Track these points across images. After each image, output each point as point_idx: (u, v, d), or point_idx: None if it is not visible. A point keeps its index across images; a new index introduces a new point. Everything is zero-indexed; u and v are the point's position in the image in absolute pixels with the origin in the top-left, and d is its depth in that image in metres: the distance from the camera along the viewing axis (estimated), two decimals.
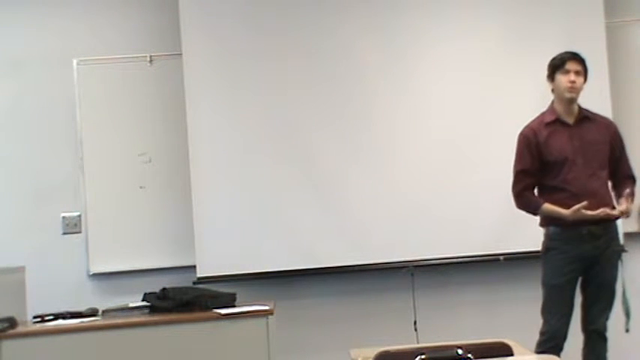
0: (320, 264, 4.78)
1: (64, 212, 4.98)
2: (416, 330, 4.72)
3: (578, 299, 3.92)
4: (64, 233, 4.99)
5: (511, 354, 2.57)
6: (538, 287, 3.91)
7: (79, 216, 4.98)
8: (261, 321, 3.62)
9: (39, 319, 3.83)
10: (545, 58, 3.96)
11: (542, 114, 3.96)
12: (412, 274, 4.76)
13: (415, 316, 4.77)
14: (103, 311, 3.87)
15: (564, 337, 3.82)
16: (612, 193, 3.92)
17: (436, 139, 4.83)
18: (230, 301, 3.82)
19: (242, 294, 3.99)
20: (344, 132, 4.85)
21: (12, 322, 3.63)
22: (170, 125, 4.94)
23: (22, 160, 4.99)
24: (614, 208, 3.82)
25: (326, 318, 4.93)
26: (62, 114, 4.99)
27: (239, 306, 3.75)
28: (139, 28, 5.07)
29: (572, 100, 3.89)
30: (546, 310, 3.88)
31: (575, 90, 3.87)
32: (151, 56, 4.99)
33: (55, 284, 4.77)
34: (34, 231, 4.94)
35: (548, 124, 3.91)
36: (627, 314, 3.90)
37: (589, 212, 3.71)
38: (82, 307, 3.91)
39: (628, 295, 3.89)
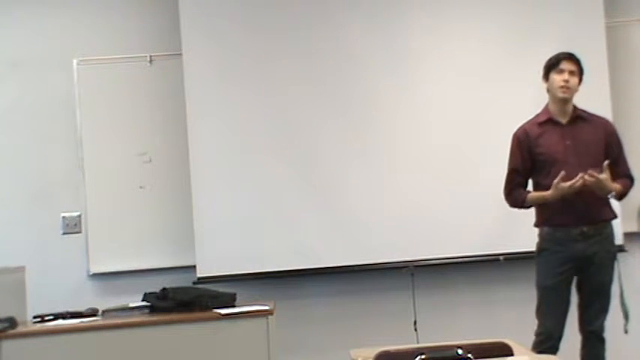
0: (320, 264, 4.78)
1: (64, 212, 4.98)
2: (416, 330, 4.72)
3: (575, 298, 3.92)
4: (64, 233, 4.99)
5: (511, 354, 2.56)
6: None
7: (79, 216, 4.98)
8: (261, 321, 3.62)
9: (39, 319, 3.83)
10: (546, 59, 3.96)
11: (537, 114, 3.97)
12: (412, 274, 4.76)
13: (415, 316, 4.77)
14: (103, 311, 3.87)
15: (560, 338, 3.82)
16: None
17: (436, 139, 4.83)
18: (230, 301, 3.82)
19: (242, 294, 4.00)
20: (344, 132, 4.85)
21: (12, 322, 3.63)
22: (170, 125, 4.94)
23: (22, 160, 5.00)
24: (607, 208, 3.82)
25: (326, 318, 4.94)
26: (62, 114, 4.99)
27: (239, 306, 3.75)
28: (139, 28, 5.07)
29: (565, 100, 3.88)
30: (541, 311, 3.88)
31: (569, 90, 3.86)
32: (150, 56, 4.99)
33: (55, 284, 4.77)
34: (34, 231, 4.94)
35: (540, 124, 3.92)
36: (626, 316, 3.90)
37: (567, 184, 3.69)
38: (82, 307, 3.91)
39: (626, 296, 3.89)
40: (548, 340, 3.79)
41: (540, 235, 3.92)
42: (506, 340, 2.63)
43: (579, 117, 3.91)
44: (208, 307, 3.71)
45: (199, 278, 4.70)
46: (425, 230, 4.77)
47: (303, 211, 4.80)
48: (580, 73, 3.90)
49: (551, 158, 3.81)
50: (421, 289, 4.82)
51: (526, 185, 3.96)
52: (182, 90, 4.81)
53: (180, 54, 4.83)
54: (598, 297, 3.84)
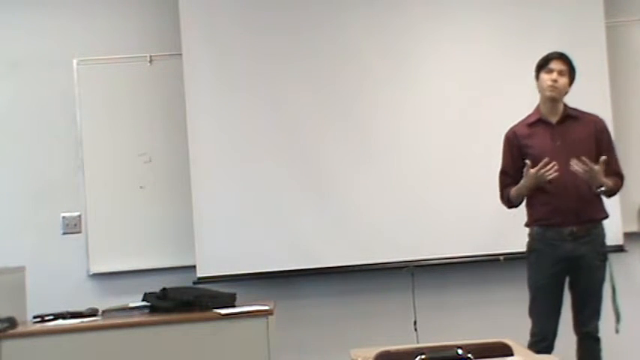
0: (320, 264, 4.77)
1: (64, 212, 4.98)
2: (416, 330, 4.72)
3: (569, 298, 3.92)
4: (64, 233, 4.99)
5: (511, 354, 2.57)
6: None
7: (79, 216, 4.98)
8: (261, 321, 3.63)
9: (39, 319, 3.83)
10: None
11: (529, 115, 3.98)
12: (412, 274, 4.76)
13: (415, 316, 4.77)
14: (103, 311, 3.87)
15: (554, 337, 3.82)
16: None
17: (436, 140, 4.83)
18: (230, 301, 3.82)
19: (242, 294, 4.00)
20: (344, 132, 4.85)
21: (12, 322, 3.63)
22: (170, 125, 4.94)
23: (22, 160, 4.99)
24: (598, 208, 3.82)
25: (326, 318, 4.93)
26: (62, 114, 4.99)
27: (239, 306, 3.76)
28: (139, 28, 5.06)
29: (554, 100, 3.88)
30: (534, 312, 3.88)
31: (557, 89, 3.85)
32: (150, 56, 4.99)
33: (55, 284, 4.77)
34: (34, 231, 4.94)
35: (530, 125, 3.93)
36: (617, 316, 3.90)
37: (533, 170, 3.69)
38: (82, 307, 3.91)
39: (618, 297, 3.89)
40: (543, 340, 3.79)
41: (530, 235, 3.93)
42: (506, 340, 2.63)
43: (569, 116, 3.90)
44: (208, 307, 3.72)
45: (199, 278, 4.70)
46: (425, 230, 4.77)
47: (304, 211, 4.80)
48: (571, 72, 3.89)
49: (540, 158, 3.80)
50: (421, 289, 4.82)
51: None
52: (182, 90, 4.81)
53: (181, 54, 4.83)
54: (590, 298, 3.84)
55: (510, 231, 4.63)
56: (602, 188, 3.77)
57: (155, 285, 4.03)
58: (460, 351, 2.44)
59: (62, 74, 4.97)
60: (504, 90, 4.82)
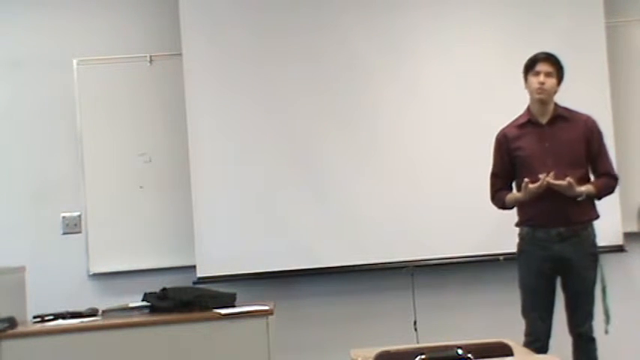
0: (320, 264, 4.78)
1: (64, 212, 4.98)
2: (416, 330, 4.72)
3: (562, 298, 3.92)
4: (64, 233, 4.99)
5: (511, 354, 2.57)
6: None
7: (79, 216, 4.98)
8: (261, 321, 3.63)
9: (39, 319, 3.83)
10: None
11: (519, 116, 3.97)
12: (412, 274, 4.76)
13: (415, 316, 4.77)
14: (103, 311, 3.87)
15: (548, 337, 3.83)
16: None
17: (436, 140, 4.83)
18: (230, 301, 3.82)
19: (242, 294, 4.00)
20: (344, 132, 4.85)
21: (12, 322, 3.63)
22: (170, 125, 4.94)
23: (22, 160, 4.99)
24: (587, 209, 3.82)
25: (326, 318, 4.93)
26: (62, 114, 4.99)
27: (239, 306, 3.76)
28: (139, 28, 5.06)
29: (543, 101, 3.87)
30: (526, 312, 3.89)
31: (545, 91, 3.84)
32: (150, 56, 4.99)
33: (55, 284, 4.77)
34: (34, 231, 4.94)
35: (520, 126, 3.93)
36: (607, 317, 3.90)
37: (534, 185, 3.70)
38: (82, 307, 3.91)
39: (608, 298, 3.89)
40: (537, 340, 3.79)
41: (520, 235, 3.94)
42: (506, 340, 2.63)
43: (559, 116, 3.89)
44: (208, 307, 3.72)
45: (199, 278, 4.70)
46: (425, 230, 4.77)
47: (303, 211, 4.80)
48: (558, 72, 3.87)
49: (529, 160, 3.81)
50: (421, 289, 4.82)
51: (510, 187, 3.98)
52: (182, 90, 4.81)
53: (181, 54, 4.83)
54: (581, 300, 3.84)
55: (510, 231, 4.62)
56: (579, 199, 3.75)
57: (155, 285, 4.03)
58: (460, 351, 2.44)
59: (62, 74, 4.97)
60: (505, 90, 4.79)
